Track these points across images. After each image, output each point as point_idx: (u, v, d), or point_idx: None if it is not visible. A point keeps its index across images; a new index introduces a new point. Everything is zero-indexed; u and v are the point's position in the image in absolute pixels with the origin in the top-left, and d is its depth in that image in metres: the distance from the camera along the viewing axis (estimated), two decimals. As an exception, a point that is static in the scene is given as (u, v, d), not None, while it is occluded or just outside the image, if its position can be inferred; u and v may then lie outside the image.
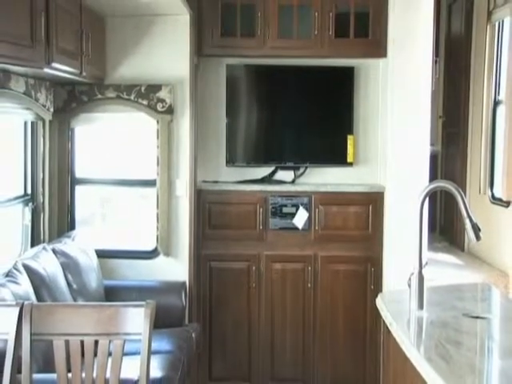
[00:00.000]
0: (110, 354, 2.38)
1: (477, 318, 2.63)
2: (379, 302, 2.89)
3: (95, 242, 4.39)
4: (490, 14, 4.93)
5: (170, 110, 4.40)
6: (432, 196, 2.88)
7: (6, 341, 2.40)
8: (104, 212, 5.07)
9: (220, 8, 4.59)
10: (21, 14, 2.96)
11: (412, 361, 2.24)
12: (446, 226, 5.89)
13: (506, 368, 2.14)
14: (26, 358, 2.39)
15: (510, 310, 2.92)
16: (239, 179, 4.79)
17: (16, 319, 2.39)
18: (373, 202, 4.64)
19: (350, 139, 4.75)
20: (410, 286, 2.69)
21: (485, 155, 5.00)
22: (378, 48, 4.59)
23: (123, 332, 2.40)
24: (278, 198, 4.67)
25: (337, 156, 4.77)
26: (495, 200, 4.79)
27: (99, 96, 4.41)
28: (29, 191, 4.18)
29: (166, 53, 4.42)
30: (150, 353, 2.41)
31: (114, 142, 4.87)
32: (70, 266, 3.81)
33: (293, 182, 4.82)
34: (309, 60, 4.73)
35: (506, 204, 4.54)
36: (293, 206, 4.66)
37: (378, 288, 4.53)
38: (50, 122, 4.28)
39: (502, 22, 4.81)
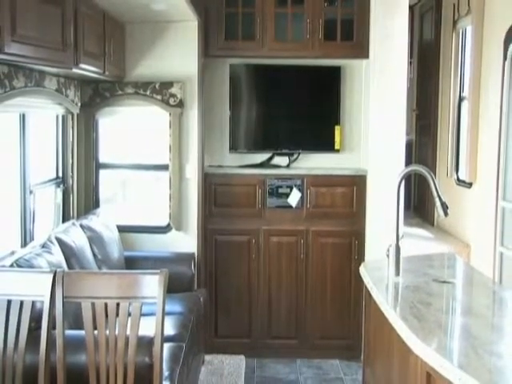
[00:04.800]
0: (129, 315, 2.41)
1: (444, 282, 2.66)
2: (362, 269, 2.92)
3: (117, 219, 4.41)
4: (455, 23, 4.94)
5: (180, 104, 4.39)
6: (407, 178, 2.90)
7: (42, 302, 2.43)
8: (124, 192, 5.07)
9: (224, 15, 4.56)
10: (54, 23, 2.95)
11: (389, 319, 2.27)
12: (418, 204, 5.90)
13: (466, 323, 2.20)
14: (59, 317, 2.42)
15: (470, 275, 2.97)
16: (241, 164, 4.79)
17: (50, 284, 2.43)
18: (357, 183, 4.64)
19: (337, 129, 4.74)
20: (388, 255, 2.71)
21: (451, 143, 5.01)
22: (361, 50, 4.57)
23: (141, 296, 2.43)
24: (275, 180, 4.67)
25: (326, 144, 4.76)
26: (460, 182, 4.80)
27: (119, 92, 4.41)
28: (60, 175, 4.20)
29: (177, 54, 4.42)
30: (164, 314, 2.44)
31: (132, 132, 4.86)
32: (95, 239, 3.83)
33: (287, 166, 4.82)
34: (301, 60, 4.71)
35: (469, 185, 4.56)
36: (287, 187, 4.67)
37: (360, 258, 4.54)
38: (77, 115, 4.29)
39: (465, 30, 4.84)
